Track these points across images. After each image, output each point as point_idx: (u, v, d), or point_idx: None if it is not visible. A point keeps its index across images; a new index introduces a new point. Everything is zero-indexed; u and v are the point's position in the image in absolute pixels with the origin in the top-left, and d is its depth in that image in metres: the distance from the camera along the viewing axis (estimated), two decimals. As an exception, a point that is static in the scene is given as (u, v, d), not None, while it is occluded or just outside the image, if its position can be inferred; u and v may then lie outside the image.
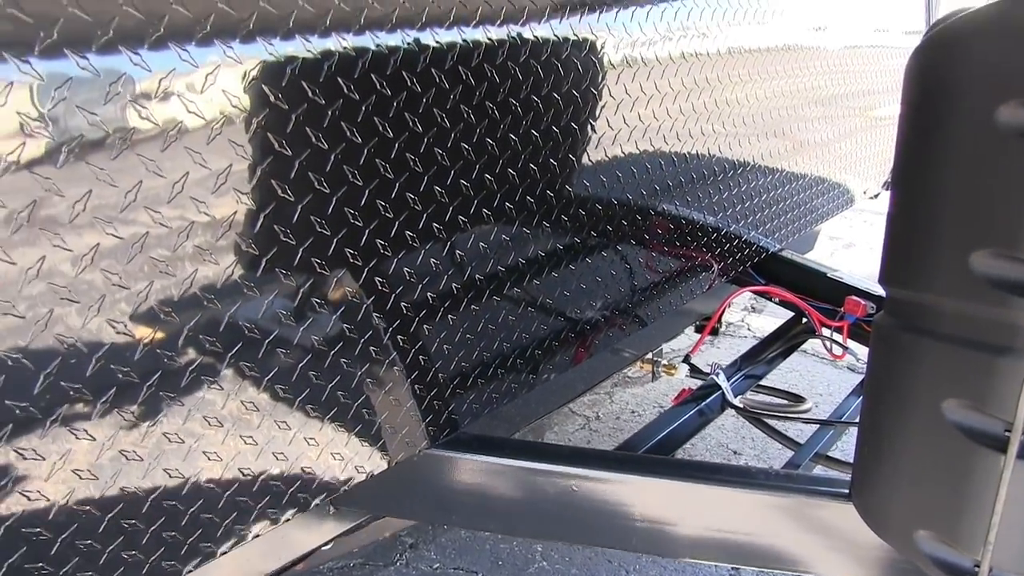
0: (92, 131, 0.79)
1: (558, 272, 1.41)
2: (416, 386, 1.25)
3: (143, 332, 0.88)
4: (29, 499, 0.85)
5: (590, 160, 1.39)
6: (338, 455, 1.17)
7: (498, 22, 1.15)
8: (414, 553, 2.15)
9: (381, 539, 1.58)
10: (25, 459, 0.84)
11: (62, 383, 0.84)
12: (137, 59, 0.80)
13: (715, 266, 1.83)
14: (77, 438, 0.87)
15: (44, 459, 0.85)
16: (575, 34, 1.28)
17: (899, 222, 1.06)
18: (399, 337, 1.17)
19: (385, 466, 1.24)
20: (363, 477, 1.21)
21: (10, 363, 0.79)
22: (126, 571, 0.97)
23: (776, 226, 2.07)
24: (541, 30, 1.22)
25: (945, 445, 1.00)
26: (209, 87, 0.86)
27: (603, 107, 1.38)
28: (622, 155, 1.46)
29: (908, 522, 1.07)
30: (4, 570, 0.86)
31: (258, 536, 1.10)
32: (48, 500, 0.87)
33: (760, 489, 1.28)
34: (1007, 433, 0.93)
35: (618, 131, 1.43)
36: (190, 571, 1.04)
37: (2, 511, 0.84)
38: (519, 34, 1.19)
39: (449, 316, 1.24)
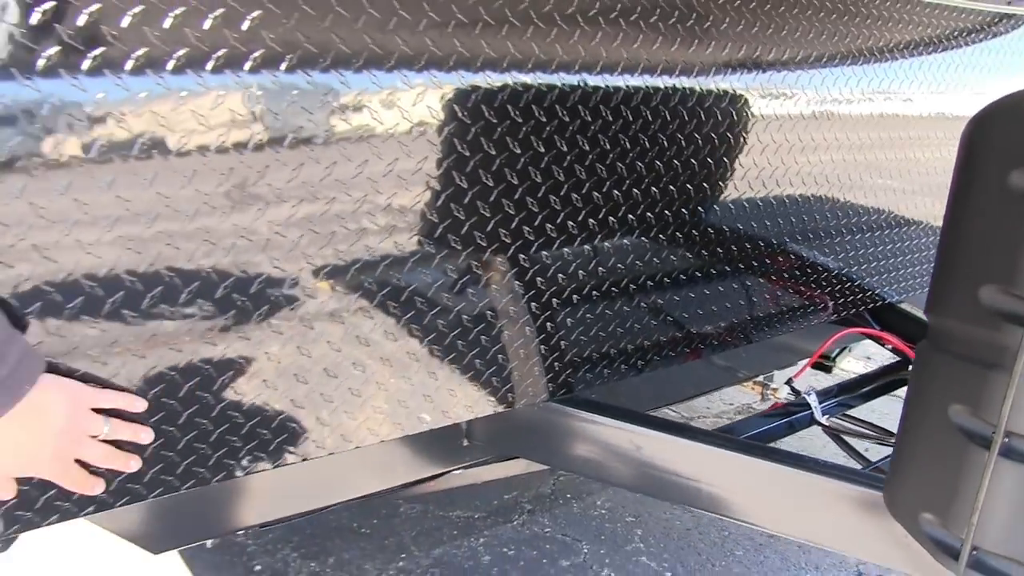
0: (309, 127, 1.16)
1: (684, 279, 1.72)
2: (543, 347, 1.57)
3: (328, 275, 1.25)
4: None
5: (733, 192, 1.70)
6: (472, 390, 1.51)
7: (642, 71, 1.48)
8: (530, 517, 2.47)
9: (503, 478, 1.91)
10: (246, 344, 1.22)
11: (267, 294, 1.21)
12: (342, 79, 1.18)
13: (830, 304, 2.08)
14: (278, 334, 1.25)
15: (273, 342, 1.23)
16: (731, 89, 1.59)
17: (938, 262, 1.31)
18: (535, 306, 1.51)
19: (508, 408, 1.57)
20: (491, 411, 1.54)
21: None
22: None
23: (899, 277, 2.29)
24: (692, 83, 1.54)
25: (948, 443, 1.24)
26: (418, 102, 1.23)
27: (750, 149, 1.69)
28: (764, 192, 1.76)
29: (916, 507, 1.31)
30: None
31: (393, 438, 1.44)
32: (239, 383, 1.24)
33: (820, 474, 1.53)
34: (992, 434, 1.17)
35: (762, 170, 1.73)
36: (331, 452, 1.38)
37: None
38: (666, 84, 1.51)
39: (578, 297, 1.56)
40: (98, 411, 1.07)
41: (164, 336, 1.13)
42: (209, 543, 1.73)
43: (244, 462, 1.26)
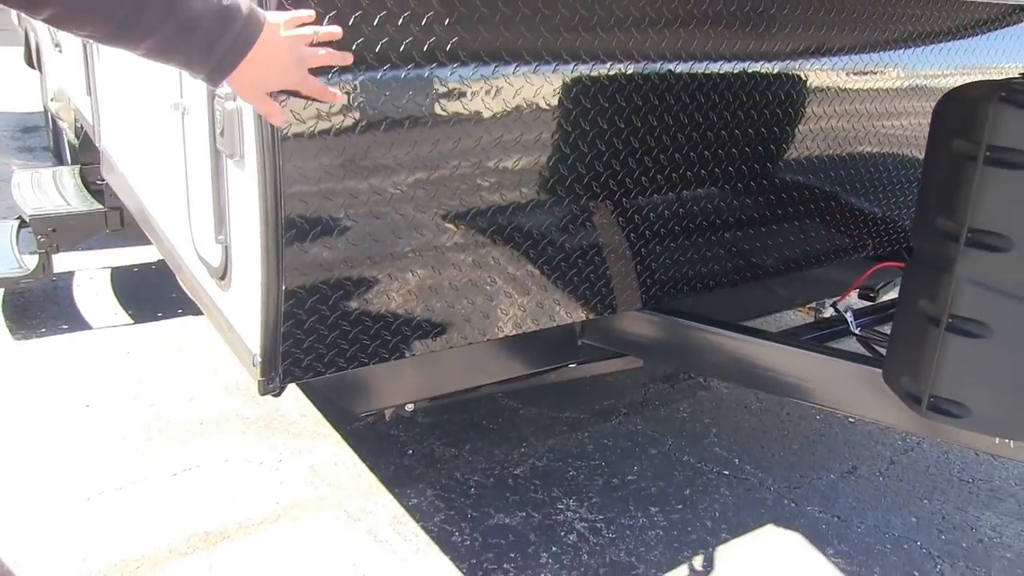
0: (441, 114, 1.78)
1: (752, 219, 2.30)
2: (638, 267, 2.17)
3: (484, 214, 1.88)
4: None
5: (793, 151, 2.28)
6: (589, 294, 2.12)
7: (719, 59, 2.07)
8: (625, 418, 3.08)
9: (607, 380, 2.51)
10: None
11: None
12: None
13: (870, 243, 2.63)
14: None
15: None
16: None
17: (917, 203, 1.88)
18: (632, 236, 2.11)
19: (612, 312, 2.17)
20: (601, 314, 2.15)
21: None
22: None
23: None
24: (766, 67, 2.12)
25: (919, 327, 1.81)
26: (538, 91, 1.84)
27: (809, 119, 2.26)
28: (819, 152, 2.33)
29: (899, 374, 1.89)
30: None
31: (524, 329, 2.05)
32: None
33: (843, 359, 2.11)
34: (942, 316, 1.74)
35: (817, 135, 2.31)
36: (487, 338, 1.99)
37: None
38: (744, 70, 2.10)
39: (664, 231, 2.16)
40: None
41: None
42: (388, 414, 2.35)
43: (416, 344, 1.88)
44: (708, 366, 2.33)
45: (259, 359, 1.73)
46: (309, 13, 1.39)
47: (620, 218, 2.08)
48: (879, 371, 2.00)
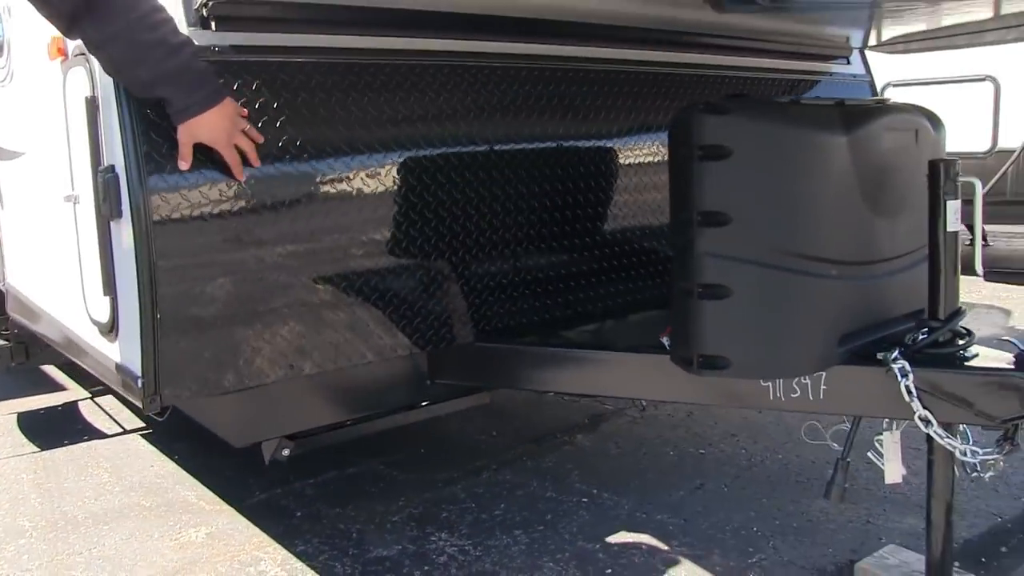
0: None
1: (573, 260, 2.77)
2: (469, 303, 2.61)
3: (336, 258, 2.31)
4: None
5: (602, 210, 2.78)
6: (431, 329, 2.53)
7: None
8: (495, 472, 3.44)
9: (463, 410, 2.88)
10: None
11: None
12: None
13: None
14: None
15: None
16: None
17: (670, 208, 2.36)
18: (463, 277, 2.55)
19: (452, 342, 2.58)
20: (440, 345, 2.56)
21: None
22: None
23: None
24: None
25: (681, 301, 2.26)
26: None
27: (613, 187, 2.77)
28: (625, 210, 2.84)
29: (676, 346, 2.32)
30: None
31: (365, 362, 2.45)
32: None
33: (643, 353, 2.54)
34: (690, 290, 2.20)
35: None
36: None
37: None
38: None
39: (494, 269, 2.61)
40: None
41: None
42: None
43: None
44: (541, 381, 2.74)
45: (142, 381, 2.09)
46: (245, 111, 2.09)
47: (453, 267, 2.54)
48: (668, 356, 2.43)
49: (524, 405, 4.16)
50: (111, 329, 2.25)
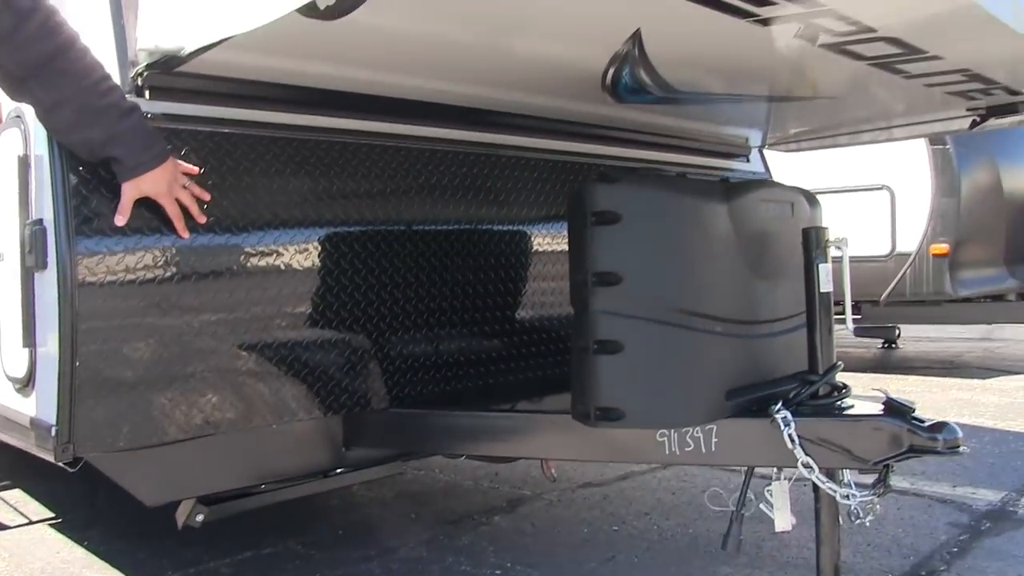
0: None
1: (475, 332, 2.92)
2: (383, 370, 2.73)
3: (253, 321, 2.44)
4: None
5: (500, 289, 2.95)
6: (346, 394, 2.64)
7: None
8: (412, 550, 3.49)
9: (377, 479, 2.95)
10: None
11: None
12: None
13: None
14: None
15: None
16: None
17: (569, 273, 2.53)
18: (377, 347, 2.69)
19: (366, 407, 2.69)
20: (354, 409, 2.67)
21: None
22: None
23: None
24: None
25: (579, 359, 2.42)
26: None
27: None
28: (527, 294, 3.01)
29: (576, 403, 2.46)
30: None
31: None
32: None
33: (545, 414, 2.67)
34: (585, 347, 2.36)
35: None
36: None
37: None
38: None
39: (406, 340, 2.75)
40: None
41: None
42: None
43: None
44: (453, 445, 2.85)
45: (56, 430, 2.16)
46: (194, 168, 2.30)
47: (368, 336, 2.68)
48: (569, 415, 2.57)
49: (444, 491, 4.23)
50: (27, 383, 2.32)
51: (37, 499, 4.23)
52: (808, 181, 6.87)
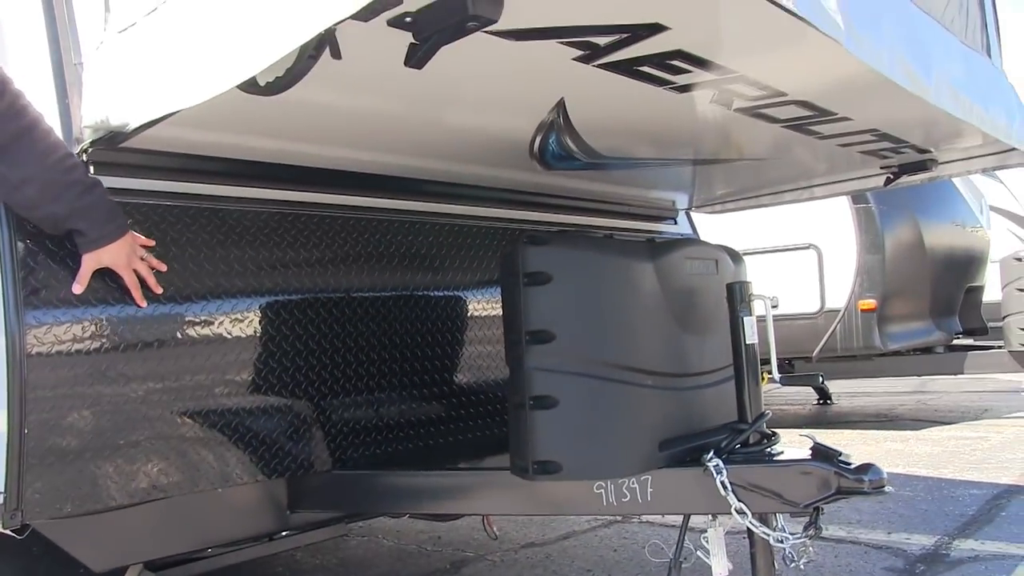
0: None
1: (421, 397, 2.99)
2: (327, 434, 2.78)
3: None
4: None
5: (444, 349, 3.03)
6: (289, 458, 2.69)
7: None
8: None
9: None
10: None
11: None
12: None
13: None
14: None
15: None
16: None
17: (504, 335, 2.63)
18: (320, 412, 2.74)
19: (309, 469, 2.74)
20: (298, 472, 2.71)
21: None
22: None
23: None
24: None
25: (516, 415, 2.50)
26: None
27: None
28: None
29: (514, 458, 2.54)
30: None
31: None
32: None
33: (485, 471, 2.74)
34: (521, 403, 2.45)
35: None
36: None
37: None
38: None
39: (349, 404, 2.81)
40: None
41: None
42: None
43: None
44: (396, 504, 2.90)
45: (3, 497, 2.18)
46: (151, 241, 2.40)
47: (310, 401, 2.74)
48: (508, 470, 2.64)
49: (387, 555, 4.24)
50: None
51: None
52: (737, 241, 7.13)
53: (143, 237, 2.39)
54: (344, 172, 2.90)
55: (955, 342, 8.08)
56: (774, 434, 2.62)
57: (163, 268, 2.42)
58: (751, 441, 2.55)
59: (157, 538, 2.60)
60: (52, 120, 2.28)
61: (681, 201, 4.37)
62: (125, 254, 2.30)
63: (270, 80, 1.87)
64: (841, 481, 2.35)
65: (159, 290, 2.40)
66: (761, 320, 2.62)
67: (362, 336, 2.91)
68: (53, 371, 2.22)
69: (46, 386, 2.20)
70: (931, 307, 7.63)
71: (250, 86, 1.86)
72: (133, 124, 2.11)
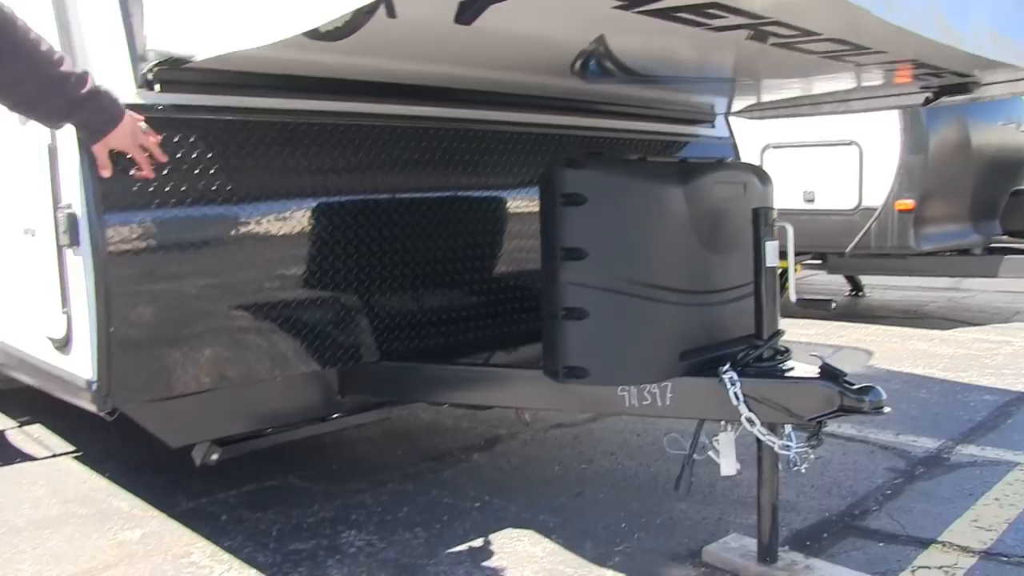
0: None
1: (465, 293, 3.23)
2: (375, 327, 3.05)
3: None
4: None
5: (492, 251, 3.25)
6: (341, 350, 2.96)
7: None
8: (399, 484, 3.85)
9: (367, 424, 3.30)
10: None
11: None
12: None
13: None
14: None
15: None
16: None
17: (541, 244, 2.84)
18: (369, 306, 3.00)
19: (359, 361, 3.02)
20: (348, 363, 2.99)
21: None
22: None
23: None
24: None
25: (549, 323, 2.74)
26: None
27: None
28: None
29: (547, 361, 2.79)
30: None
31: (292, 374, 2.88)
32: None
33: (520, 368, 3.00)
34: (553, 314, 2.68)
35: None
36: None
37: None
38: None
39: (396, 299, 3.06)
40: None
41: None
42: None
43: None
44: (437, 395, 3.19)
45: (96, 386, 2.47)
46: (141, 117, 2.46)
47: (360, 297, 2.98)
48: (540, 371, 2.89)
49: (427, 429, 4.58)
50: (65, 344, 2.63)
51: (57, 434, 4.57)
52: (779, 134, 7.25)
53: (134, 113, 2.44)
54: (392, 84, 3.06)
55: (993, 244, 8.06)
56: (787, 350, 2.84)
57: (158, 138, 2.49)
58: (765, 356, 2.77)
59: (224, 419, 2.92)
60: (116, 36, 2.46)
61: (719, 105, 4.47)
62: (129, 133, 2.37)
63: (330, 29, 2.04)
64: (844, 400, 2.57)
65: (164, 158, 2.50)
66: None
67: (409, 239, 3.13)
68: (132, 271, 2.48)
69: (127, 286, 2.46)
70: (971, 209, 7.64)
71: (311, 33, 2.03)
72: (198, 56, 2.30)
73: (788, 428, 2.75)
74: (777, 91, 4.08)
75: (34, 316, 2.83)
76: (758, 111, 4.52)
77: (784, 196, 7.55)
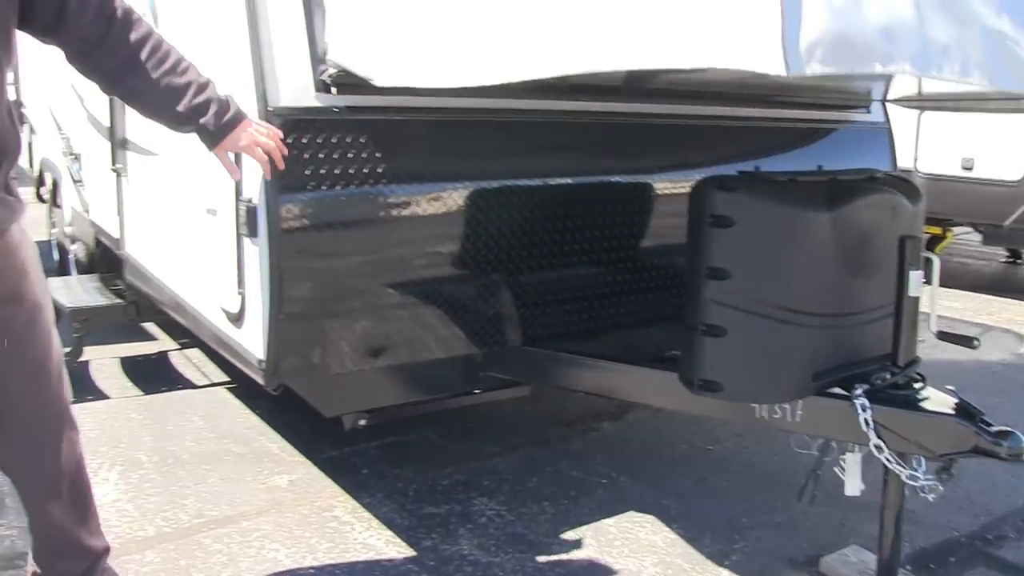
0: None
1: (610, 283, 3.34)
2: (521, 314, 3.19)
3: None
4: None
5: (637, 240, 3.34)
6: (487, 333, 3.13)
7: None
8: (529, 450, 4.03)
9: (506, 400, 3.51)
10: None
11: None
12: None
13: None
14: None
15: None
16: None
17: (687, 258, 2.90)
18: (516, 292, 3.14)
19: (504, 345, 3.18)
20: (493, 347, 3.15)
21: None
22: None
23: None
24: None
25: (688, 336, 2.82)
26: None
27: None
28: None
29: (683, 370, 2.88)
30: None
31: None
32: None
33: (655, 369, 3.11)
34: (695, 328, 2.76)
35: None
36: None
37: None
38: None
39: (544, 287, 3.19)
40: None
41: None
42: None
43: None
44: (572, 382, 3.33)
45: (264, 364, 2.71)
46: (277, 132, 2.49)
47: (509, 285, 3.12)
48: (676, 374, 2.98)
49: (557, 394, 4.72)
50: (238, 319, 2.87)
51: (213, 362, 4.94)
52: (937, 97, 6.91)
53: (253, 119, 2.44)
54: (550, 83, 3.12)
55: None
56: (923, 379, 2.84)
57: (279, 134, 2.49)
58: (900, 383, 2.79)
59: (374, 393, 3.13)
60: (299, 44, 2.64)
61: (877, 91, 4.35)
62: (248, 137, 2.36)
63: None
64: (979, 441, 2.57)
65: (284, 150, 2.48)
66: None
67: (558, 232, 3.23)
68: (303, 263, 2.68)
69: (298, 275, 2.67)
70: None
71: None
72: (377, 82, 2.44)
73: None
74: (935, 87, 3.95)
75: (212, 285, 3.08)
76: (916, 101, 4.38)
77: (939, 162, 7.33)
